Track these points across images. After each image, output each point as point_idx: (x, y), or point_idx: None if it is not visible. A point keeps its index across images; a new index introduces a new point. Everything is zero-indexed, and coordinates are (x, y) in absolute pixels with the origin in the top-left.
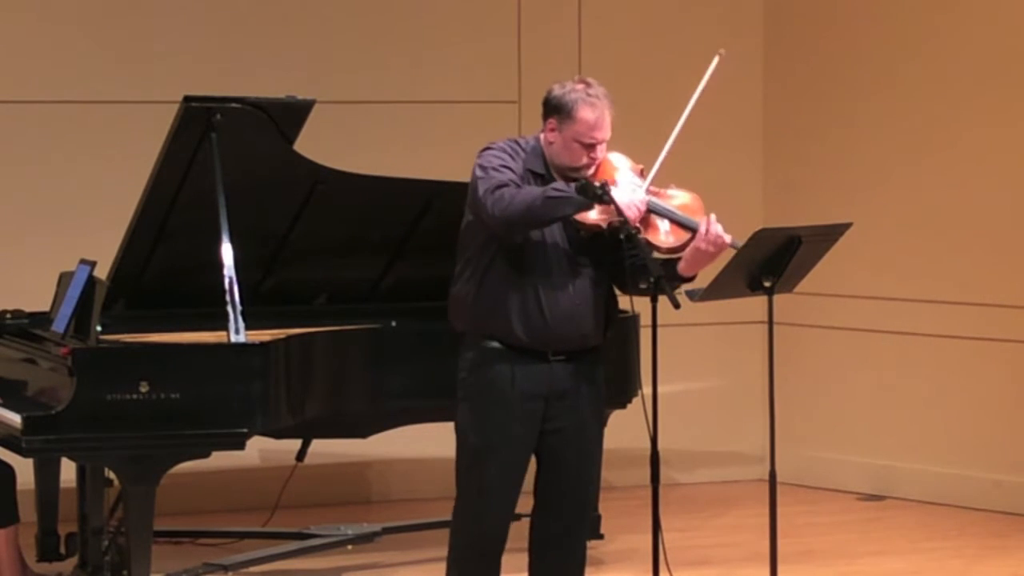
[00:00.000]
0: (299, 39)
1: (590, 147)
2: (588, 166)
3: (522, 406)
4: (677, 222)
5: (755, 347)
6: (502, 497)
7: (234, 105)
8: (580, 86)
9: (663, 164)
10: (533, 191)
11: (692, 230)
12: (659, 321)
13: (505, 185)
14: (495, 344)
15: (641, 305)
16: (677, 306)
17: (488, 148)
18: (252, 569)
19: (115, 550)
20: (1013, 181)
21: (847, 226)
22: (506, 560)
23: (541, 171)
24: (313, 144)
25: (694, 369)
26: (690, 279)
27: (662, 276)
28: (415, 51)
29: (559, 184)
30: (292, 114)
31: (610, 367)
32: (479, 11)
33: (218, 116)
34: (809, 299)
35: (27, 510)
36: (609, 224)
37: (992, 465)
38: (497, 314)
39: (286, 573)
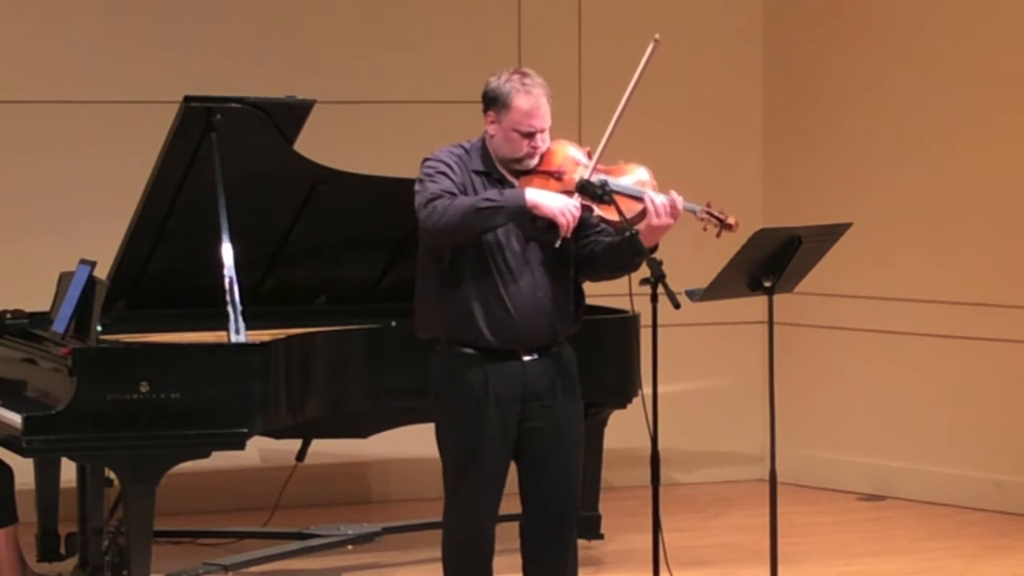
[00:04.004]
0: (300, 39)
1: (529, 136)
2: (531, 155)
3: (498, 408)
4: (625, 195)
5: (755, 347)
6: (488, 501)
7: (234, 105)
8: (515, 76)
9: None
10: (464, 202)
11: (640, 200)
12: (659, 321)
13: (439, 197)
14: (466, 350)
15: (641, 305)
16: (677, 306)
17: (428, 158)
18: (252, 569)
19: (115, 550)
20: (1013, 181)
21: (847, 226)
22: (500, 561)
23: (485, 169)
24: (313, 144)
25: (694, 369)
26: (653, 249)
27: (663, 276)
28: (415, 51)
29: (490, 193)
30: (292, 114)
31: (610, 367)
32: (479, 11)
33: (218, 116)
34: (809, 299)
35: (27, 510)
36: (611, 222)
37: (992, 465)
38: (463, 319)
39: (286, 573)
